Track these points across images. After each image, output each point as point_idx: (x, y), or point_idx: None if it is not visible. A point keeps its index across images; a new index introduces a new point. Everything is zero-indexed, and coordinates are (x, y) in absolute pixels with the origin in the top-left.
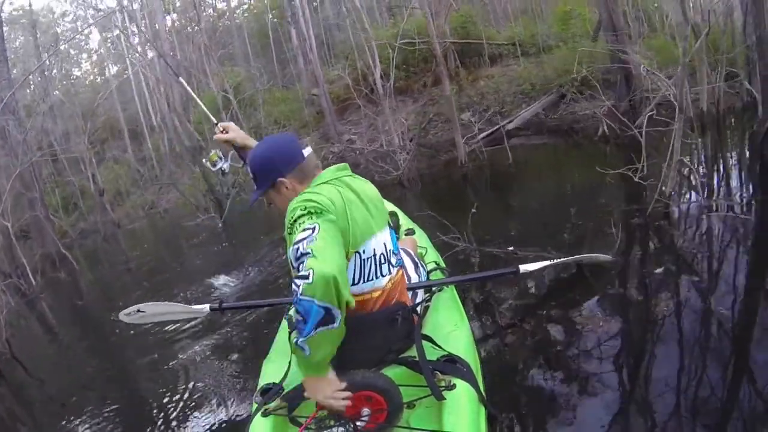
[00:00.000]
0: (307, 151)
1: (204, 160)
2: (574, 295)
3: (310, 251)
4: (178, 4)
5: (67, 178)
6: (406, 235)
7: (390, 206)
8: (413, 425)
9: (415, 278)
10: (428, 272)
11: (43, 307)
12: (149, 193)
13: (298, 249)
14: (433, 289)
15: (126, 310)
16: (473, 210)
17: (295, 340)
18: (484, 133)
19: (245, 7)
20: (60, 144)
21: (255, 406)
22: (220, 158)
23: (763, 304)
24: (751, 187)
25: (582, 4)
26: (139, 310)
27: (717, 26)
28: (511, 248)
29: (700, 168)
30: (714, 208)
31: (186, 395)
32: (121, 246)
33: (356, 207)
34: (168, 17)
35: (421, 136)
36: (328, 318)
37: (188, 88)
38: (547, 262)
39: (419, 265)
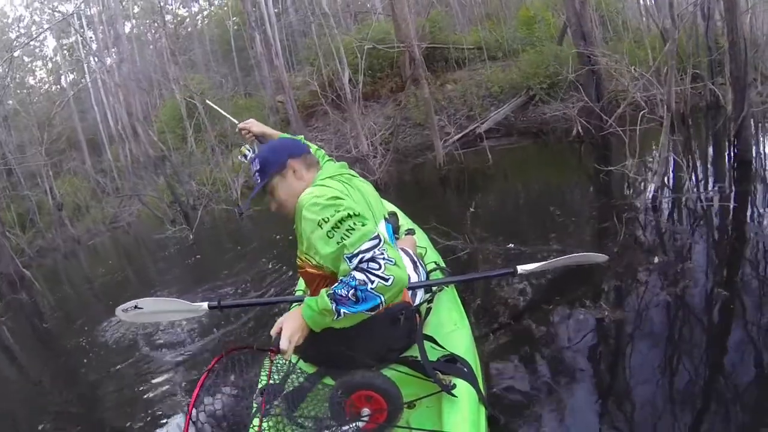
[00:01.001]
0: (311, 149)
1: (239, 156)
2: (573, 293)
3: (393, 260)
4: (137, 10)
5: (22, 193)
6: (406, 235)
7: (390, 206)
8: (413, 425)
9: (414, 277)
10: (428, 272)
11: (3, 332)
12: (111, 206)
13: (374, 256)
14: (434, 289)
15: (122, 306)
16: (471, 210)
17: (335, 306)
18: (457, 136)
19: (206, 13)
20: (14, 156)
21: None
22: (249, 150)
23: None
24: (727, 179)
25: (545, 9)
26: (136, 306)
27: (684, 31)
28: (511, 245)
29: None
30: (698, 199)
31: (181, 397)
32: (83, 264)
33: (359, 201)
34: (127, 23)
35: (391, 140)
36: (375, 308)
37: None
38: (543, 263)
39: (419, 264)
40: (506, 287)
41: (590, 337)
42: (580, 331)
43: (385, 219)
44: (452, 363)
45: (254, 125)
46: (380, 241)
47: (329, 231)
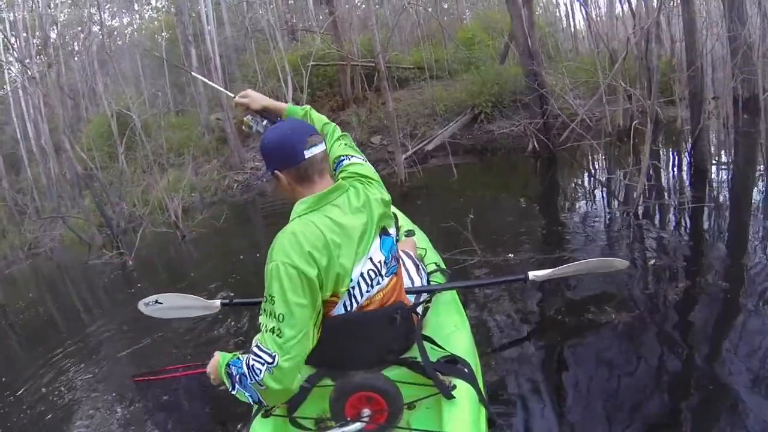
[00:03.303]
0: (311, 152)
1: (243, 127)
2: (574, 296)
3: (268, 385)
4: (62, 18)
5: None
6: (406, 236)
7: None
8: (413, 426)
9: (417, 279)
10: (428, 273)
11: None
12: (30, 230)
13: (257, 366)
14: None
15: (144, 300)
16: (471, 216)
17: (229, 382)
18: (406, 153)
19: (136, 26)
20: None
21: (255, 407)
22: (254, 120)
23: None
24: (689, 185)
25: (482, 31)
26: (157, 301)
27: (630, 52)
28: (511, 255)
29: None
30: (676, 203)
31: (181, 396)
32: None
33: (336, 246)
34: (52, 32)
35: None
36: (255, 401)
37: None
38: (556, 269)
39: (420, 267)
40: (507, 289)
41: (593, 339)
42: (581, 333)
43: (385, 230)
44: (452, 364)
45: (253, 101)
46: (272, 363)
47: (263, 306)
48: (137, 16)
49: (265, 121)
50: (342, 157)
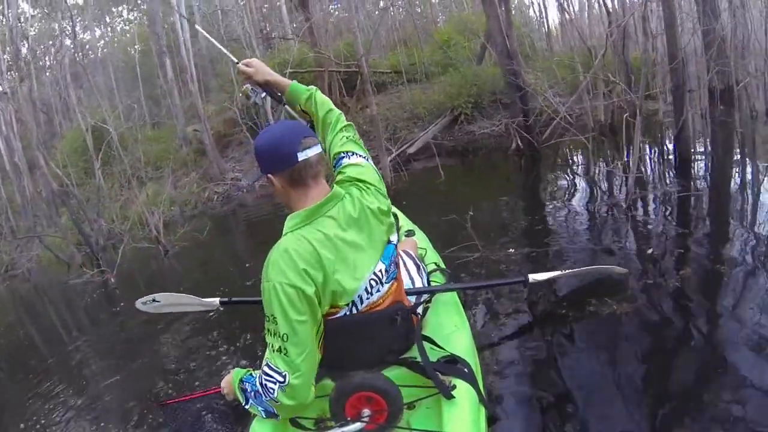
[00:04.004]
0: (305, 154)
1: (240, 94)
2: (573, 289)
3: (283, 402)
4: (33, 33)
5: None
6: (406, 236)
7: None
8: (413, 426)
9: (417, 280)
10: (428, 273)
11: None
12: (5, 251)
13: (270, 385)
14: None
15: (142, 299)
16: (470, 213)
17: (243, 397)
18: (390, 156)
19: (108, 39)
20: None
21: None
22: (253, 91)
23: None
24: (675, 174)
25: (457, 33)
26: (154, 300)
27: (611, 48)
28: (511, 250)
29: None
30: (666, 193)
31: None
32: None
33: (330, 262)
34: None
35: None
36: (270, 415)
37: (206, 34)
38: (556, 273)
39: (420, 267)
40: (508, 290)
41: (593, 336)
42: (582, 330)
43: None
44: (452, 364)
45: (257, 72)
46: (284, 382)
47: (267, 326)
48: (109, 29)
49: (264, 94)
50: (342, 155)
